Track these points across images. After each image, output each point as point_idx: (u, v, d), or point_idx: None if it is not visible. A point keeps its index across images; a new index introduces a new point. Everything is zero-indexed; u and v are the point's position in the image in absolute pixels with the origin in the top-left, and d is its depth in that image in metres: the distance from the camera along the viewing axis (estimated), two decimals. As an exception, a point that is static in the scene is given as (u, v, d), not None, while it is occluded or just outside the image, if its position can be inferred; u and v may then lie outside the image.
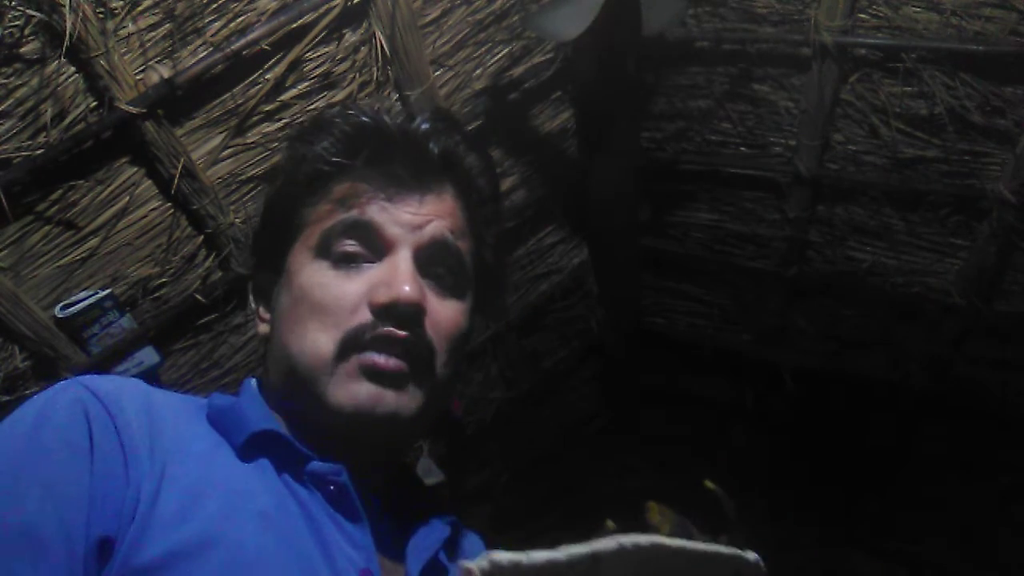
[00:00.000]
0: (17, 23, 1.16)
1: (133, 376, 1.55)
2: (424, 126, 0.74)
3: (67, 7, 1.15)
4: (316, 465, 0.67)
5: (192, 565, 0.57)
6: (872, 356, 2.25)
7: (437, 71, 1.70)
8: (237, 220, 1.57)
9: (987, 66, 1.56)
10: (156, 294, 1.58)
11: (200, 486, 0.61)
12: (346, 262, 0.69)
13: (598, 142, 2.10)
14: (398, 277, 0.68)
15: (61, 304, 1.45)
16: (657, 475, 3.04)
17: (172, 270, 1.57)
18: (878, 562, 2.80)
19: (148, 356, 1.60)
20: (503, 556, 0.48)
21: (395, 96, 1.67)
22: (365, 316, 0.67)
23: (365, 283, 0.69)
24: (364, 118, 0.73)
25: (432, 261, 0.71)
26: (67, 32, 1.17)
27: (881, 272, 2.04)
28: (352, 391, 0.66)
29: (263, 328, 0.77)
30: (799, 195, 1.98)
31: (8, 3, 1.14)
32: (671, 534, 0.55)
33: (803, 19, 1.68)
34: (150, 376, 1.61)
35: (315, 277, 0.69)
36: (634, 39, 1.69)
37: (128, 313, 1.53)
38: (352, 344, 0.67)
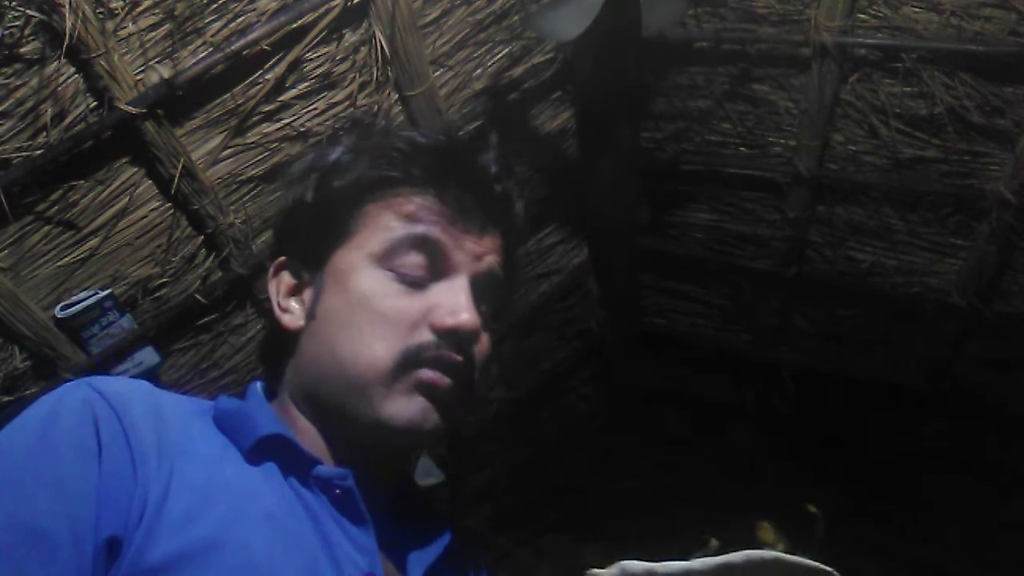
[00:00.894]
0: (17, 23, 1.16)
1: (133, 377, 1.56)
2: (494, 167, 0.78)
3: (67, 7, 1.15)
4: (322, 469, 0.68)
5: (199, 566, 0.57)
6: (872, 356, 2.25)
7: (437, 71, 1.70)
8: (237, 220, 1.57)
9: (987, 66, 1.56)
10: (156, 294, 1.58)
11: (208, 487, 0.62)
12: (408, 276, 0.71)
13: (598, 142, 2.10)
14: (462, 304, 0.70)
15: (61, 304, 1.45)
16: (657, 475, 3.05)
17: (172, 270, 1.57)
18: (878, 562, 2.80)
19: (148, 356, 1.60)
20: (635, 566, 0.50)
21: (395, 96, 1.67)
22: (426, 335, 0.69)
23: (426, 302, 0.71)
24: (443, 139, 0.77)
25: (481, 292, 0.74)
26: (67, 32, 1.17)
27: (881, 272, 2.04)
28: (406, 406, 0.68)
29: (290, 320, 0.76)
30: (799, 195, 1.98)
31: (8, 3, 1.14)
32: (785, 551, 0.59)
33: (803, 19, 1.68)
34: (150, 376, 1.61)
35: (375, 286, 0.71)
36: (634, 39, 1.69)
37: (128, 313, 1.53)
38: (411, 361, 0.69)
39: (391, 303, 0.70)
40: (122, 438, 0.60)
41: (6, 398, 1.45)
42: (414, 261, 0.71)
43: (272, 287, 0.79)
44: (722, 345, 2.53)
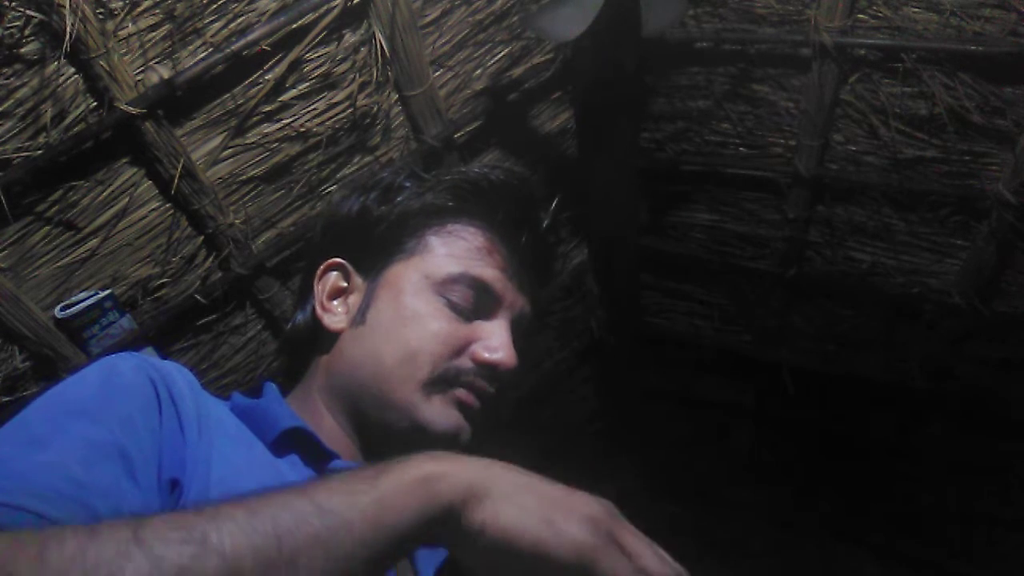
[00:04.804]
0: (17, 23, 1.16)
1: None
2: (547, 222, 0.86)
3: (67, 8, 1.15)
4: (340, 463, 0.73)
5: None
6: (872, 356, 2.25)
7: (437, 71, 1.70)
8: (237, 220, 1.57)
9: (987, 66, 1.56)
10: (156, 295, 1.58)
11: (240, 465, 0.64)
12: (458, 306, 0.77)
13: (598, 142, 2.10)
14: (505, 344, 0.77)
15: (61, 305, 1.45)
16: (657, 475, 3.04)
17: (172, 270, 1.57)
18: (878, 562, 2.80)
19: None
20: None
21: (395, 96, 1.67)
22: (466, 362, 0.76)
23: (470, 333, 0.77)
24: (508, 183, 0.83)
25: (516, 334, 0.81)
26: (67, 33, 1.17)
27: (881, 272, 2.04)
28: (445, 414, 0.75)
29: (333, 321, 0.80)
30: (799, 195, 1.98)
31: (8, 3, 1.14)
32: None
33: (803, 19, 1.68)
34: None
35: (429, 308, 0.77)
36: (634, 39, 1.69)
37: (128, 314, 1.53)
38: (449, 379, 0.75)
39: (441, 325, 0.76)
40: (171, 402, 0.63)
41: (6, 398, 1.45)
42: (465, 294, 0.77)
43: (318, 286, 0.82)
44: (722, 345, 2.53)
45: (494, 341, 0.77)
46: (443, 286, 0.77)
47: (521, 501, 0.49)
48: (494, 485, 0.50)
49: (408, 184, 0.83)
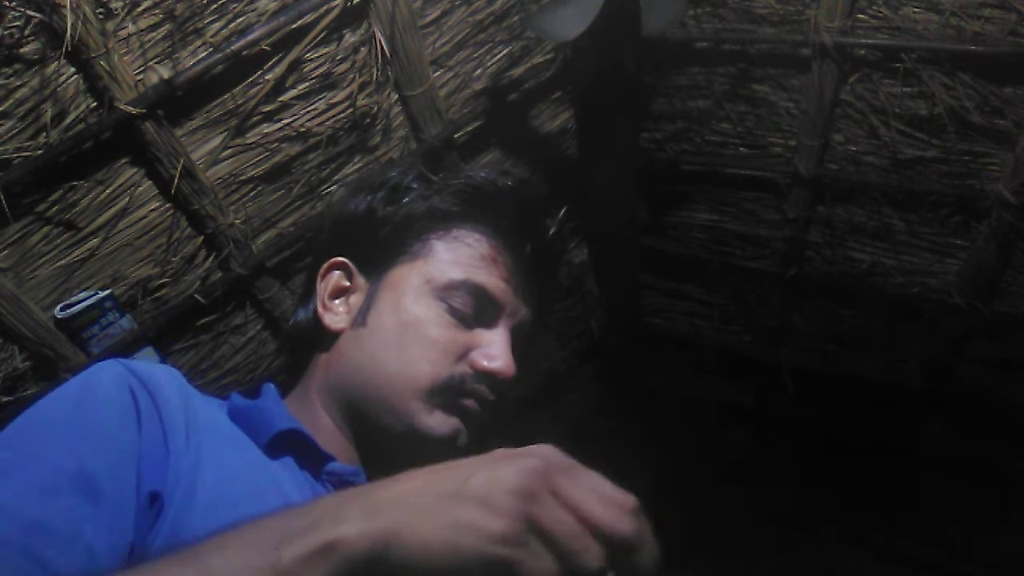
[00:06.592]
0: (17, 23, 1.16)
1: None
2: (554, 230, 0.85)
3: (67, 7, 1.15)
4: (336, 466, 0.72)
5: None
6: (872, 356, 2.25)
7: (437, 71, 1.70)
8: (237, 220, 1.57)
9: (987, 66, 1.56)
10: (156, 295, 1.58)
11: (232, 469, 0.64)
12: (459, 312, 0.77)
13: (598, 142, 2.10)
14: (504, 353, 0.77)
15: (61, 305, 1.45)
16: (656, 475, 3.05)
17: (172, 270, 1.57)
18: (878, 562, 2.80)
19: (148, 357, 1.60)
20: None
21: (395, 96, 1.67)
22: (466, 369, 0.76)
23: (470, 340, 0.77)
24: (515, 189, 0.83)
25: (515, 341, 0.81)
26: (67, 33, 1.17)
27: (881, 272, 2.05)
28: (444, 422, 0.75)
29: (334, 321, 0.80)
30: (799, 195, 1.98)
31: (8, 3, 1.13)
32: None
33: (803, 19, 1.68)
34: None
35: (431, 314, 0.76)
36: (634, 39, 1.69)
37: (128, 314, 1.53)
38: (451, 388, 0.75)
39: (442, 332, 0.75)
40: (154, 410, 0.62)
41: (6, 398, 1.45)
42: (467, 301, 0.77)
43: (321, 284, 0.82)
44: (722, 345, 2.53)
45: (493, 350, 0.76)
46: (445, 291, 0.76)
47: (426, 514, 0.46)
48: (398, 521, 0.46)
49: (415, 186, 0.83)
